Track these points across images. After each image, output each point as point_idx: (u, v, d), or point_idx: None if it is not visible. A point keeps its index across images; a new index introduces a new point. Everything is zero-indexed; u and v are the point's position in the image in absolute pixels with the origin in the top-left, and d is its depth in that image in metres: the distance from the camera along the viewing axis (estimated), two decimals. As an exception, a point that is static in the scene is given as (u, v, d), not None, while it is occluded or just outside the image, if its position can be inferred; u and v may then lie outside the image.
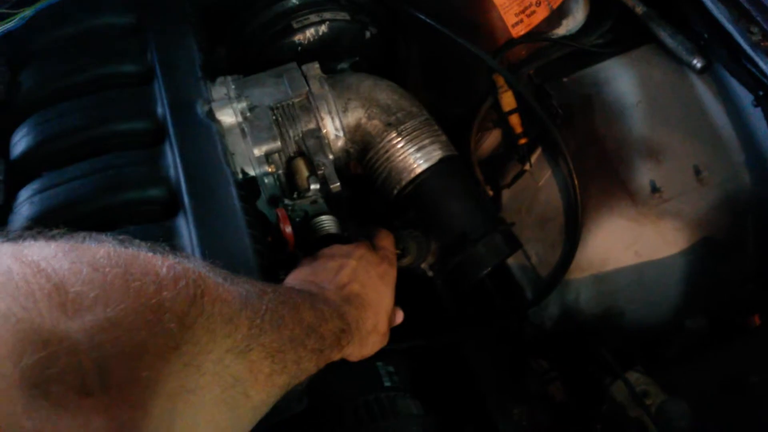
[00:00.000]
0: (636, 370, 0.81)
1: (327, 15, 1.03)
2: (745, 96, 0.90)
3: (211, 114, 0.84)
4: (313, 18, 1.01)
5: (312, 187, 0.83)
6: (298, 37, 1.01)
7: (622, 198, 0.92)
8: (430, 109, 0.95)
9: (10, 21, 0.99)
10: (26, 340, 0.30)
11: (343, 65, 1.05)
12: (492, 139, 1.05)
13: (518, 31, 1.01)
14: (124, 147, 0.82)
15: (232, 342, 0.44)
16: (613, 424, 0.80)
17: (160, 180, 0.78)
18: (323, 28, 1.01)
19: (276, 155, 0.84)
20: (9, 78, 0.94)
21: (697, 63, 0.93)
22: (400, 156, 0.88)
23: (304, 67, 0.92)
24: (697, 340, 0.92)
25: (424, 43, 1.08)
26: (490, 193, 1.02)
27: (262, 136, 0.83)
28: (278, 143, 0.84)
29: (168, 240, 0.72)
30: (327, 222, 0.83)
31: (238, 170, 0.82)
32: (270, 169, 0.83)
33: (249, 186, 0.82)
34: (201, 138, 0.81)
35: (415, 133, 0.89)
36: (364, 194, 0.94)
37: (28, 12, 1.00)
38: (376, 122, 0.89)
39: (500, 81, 0.99)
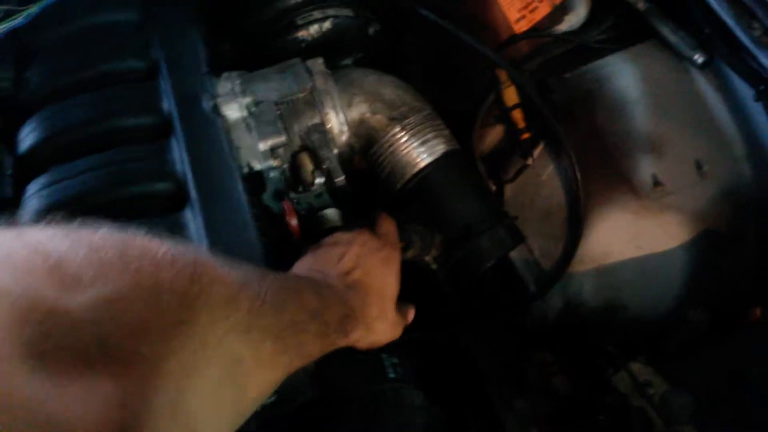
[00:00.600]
0: (639, 361, 0.82)
1: (330, 11, 1.03)
2: (746, 91, 0.90)
3: (216, 109, 0.85)
4: (317, 14, 1.02)
5: (317, 180, 0.84)
6: (302, 33, 1.02)
7: (625, 192, 0.92)
8: (433, 104, 0.95)
9: (15, 18, 1.00)
10: (26, 314, 0.30)
11: (347, 61, 1.05)
12: (495, 134, 1.06)
13: (521, 27, 1.02)
14: (130, 142, 0.82)
15: (232, 322, 0.44)
16: (616, 414, 0.81)
17: (167, 174, 0.79)
18: (327, 25, 1.02)
19: (281, 149, 0.85)
20: (15, 75, 0.95)
21: (699, 58, 0.94)
22: (403, 150, 0.89)
23: (308, 63, 0.92)
24: (698, 332, 0.93)
25: (428, 38, 1.09)
26: (493, 187, 1.02)
27: (267, 131, 0.84)
28: (283, 137, 0.85)
29: (175, 233, 0.73)
30: (332, 215, 0.84)
31: (244, 164, 0.82)
32: (275, 163, 0.84)
33: (254, 180, 0.83)
34: (207, 133, 0.82)
35: (418, 128, 0.90)
36: (368, 188, 0.95)
37: (33, 9, 1.01)
38: (379, 117, 0.90)
39: (503, 76, 1.00)
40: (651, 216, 0.91)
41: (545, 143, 1.00)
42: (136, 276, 0.37)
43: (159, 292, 0.38)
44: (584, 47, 1.01)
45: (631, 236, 0.93)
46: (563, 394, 0.93)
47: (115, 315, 0.35)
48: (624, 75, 0.98)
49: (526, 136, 1.00)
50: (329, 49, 1.02)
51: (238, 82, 0.88)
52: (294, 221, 0.78)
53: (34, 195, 0.78)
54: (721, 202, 0.93)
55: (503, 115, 1.02)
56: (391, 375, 0.83)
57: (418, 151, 0.89)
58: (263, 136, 0.84)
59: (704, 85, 0.96)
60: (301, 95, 0.89)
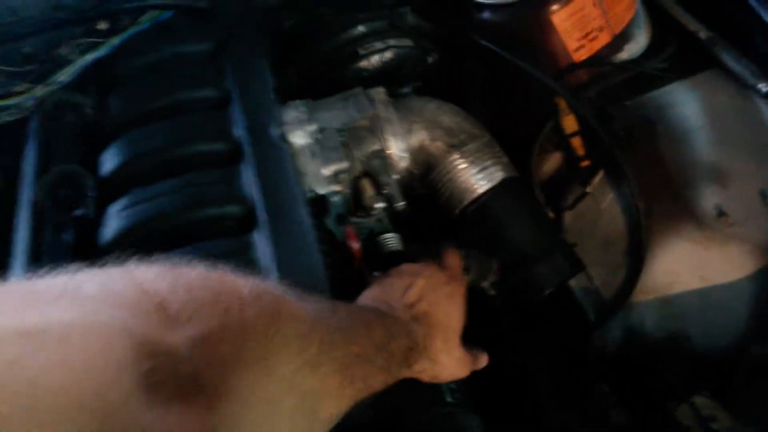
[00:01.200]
0: (702, 394, 0.80)
1: (391, 42, 1.07)
2: (813, 120, 0.88)
3: (283, 136, 0.88)
4: (378, 45, 1.06)
5: (377, 205, 0.86)
6: (364, 63, 1.06)
7: (688, 221, 0.91)
8: (491, 131, 0.97)
9: (99, 49, 1.07)
10: (141, 350, 0.33)
11: (407, 89, 1.08)
12: (553, 162, 1.06)
13: (580, 56, 1.03)
14: (204, 166, 0.87)
15: (305, 356, 0.47)
16: (678, 449, 0.79)
17: (238, 197, 0.82)
18: (388, 54, 1.05)
19: (343, 175, 0.88)
20: (98, 102, 1.01)
21: (763, 87, 0.93)
22: (462, 177, 0.90)
23: (370, 91, 0.95)
24: (763, 366, 0.90)
25: (486, 67, 1.11)
26: (552, 215, 1.02)
27: (330, 157, 0.87)
28: (345, 163, 0.87)
29: (245, 253, 0.77)
30: (391, 240, 0.86)
31: (309, 189, 0.85)
32: (338, 188, 0.87)
33: (318, 204, 0.86)
34: (275, 158, 0.86)
35: (477, 155, 0.91)
36: (427, 214, 0.96)
37: (115, 41, 1.08)
38: (439, 144, 0.92)
39: (562, 104, 1.01)
40: (715, 246, 0.90)
41: (605, 171, 1.00)
42: (225, 315, 0.41)
43: (244, 330, 0.42)
44: (645, 75, 1.01)
45: (695, 266, 0.91)
46: (622, 427, 0.92)
47: (207, 352, 0.38)
48: (686, 103, 0.98)
49: (585, 163, 1.00)
50: (390, 77, 1.06)
51: (303, 110, 0.92)
52: (355, 245, 0.80)
53: (114, 215, 0.83)
54: (787, 233, 0.90)
55: (562, 142, 1.03)
56: (449, 399, 0.84)
57: (476, 177, 0.90)
58: (327, 162, 0.87)
59: (770, 114, 0.95)
60: (362, 123, 0.92)
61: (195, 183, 0.84)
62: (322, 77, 1.07)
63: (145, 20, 1.10)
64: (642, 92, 1.01)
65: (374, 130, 0.92)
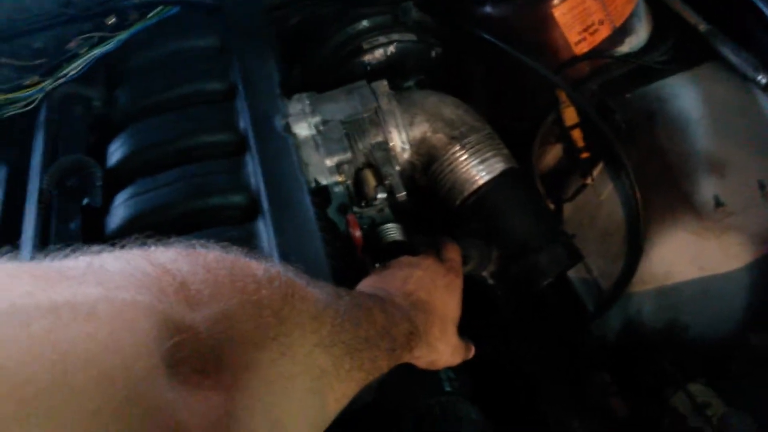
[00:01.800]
0: (698, 382, 0.81)
1: (395, 36, 1.08)
2: (812, 111, 0.89)
3: (288, 128, 0.90)
4: (382, 39, 1.07)
5: (379, 196, 0.88)
6: (368, 57, 1.07)
7: (685, 212, 0.92)
8: (493, 123, 0.98)
9: (107, 43, 1.09)
10: (164, 328, 0.35)
11: (409, 83, 1.10)
12: (554, 154, 1.07)
13: (581, 49, 1.04)
14: (209, 157, 0.89)
15: (318, 337, 0.49)
16: (674, 435, 0.80)
17: (242, 187, 0.84)
18: (391, 49, 1.07)
19: (346, 166, 0.90)
20: (106, 95, 1.04)
21: (762, 79, 0.94)
22: (463, 168, 0.92)
23: (373, 85, 0.97)
24: (761, 355, 0.91)
25: (488, 60, 1.12)
26: (552, 206, 1.04)
27: (333, 148, 0.89)
28: (348, 155, 0.89)
29: (248, 242, 0.79)
30: (393, 229, 0.87)
31: (312, 179, 0.87)
32: (340, 179, 0.88)
33: (321, 194, 0.88)
34: (279, 150, 0.88)
35: (478, 146, 0.93)
36: (428, 204, 0.98)
37: (123, 35, 1.10)
38: (440, 136, 0.93)
39: (562, 96, 1.02)
40: (713, 237, 0.91)
41: (604, 163, 1.01)
42: (241, 294, 0.42)
43: (260, 308, 0.43)
44: (645, 68, 1.02)
45: (693, 257, 0.92)
46: (621, 415, 0.93)
47: (226, 329, 0.40)
48: (685, 95, 0.98)
49: (585, 155, 1.01)
50: (393, 71, 1.07)
51: (307, 102, 0.94)
52: (357, 233, 0.82)
53: (121, 204, 0.85)
54: (785, 223, 0.91)
55: (563, 134, 1.04)
56: (447, 388, 0.86)
57: (477, 168, 0.92)
58: (330, 153, 0.89)
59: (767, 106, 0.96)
60: (366, 115, 0.94)
61: (200, 173, 0.86)
62: (326, 72, 1.09)
63: (153, 15, 1.12)
64: (642, 85, 1.02)
65: (377, 122, 0.93)
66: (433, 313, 0.73)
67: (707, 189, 0.92)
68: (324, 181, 0.88)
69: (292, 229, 0.79)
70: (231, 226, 0.81)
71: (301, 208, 0.81)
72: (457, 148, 0.92)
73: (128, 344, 0.31)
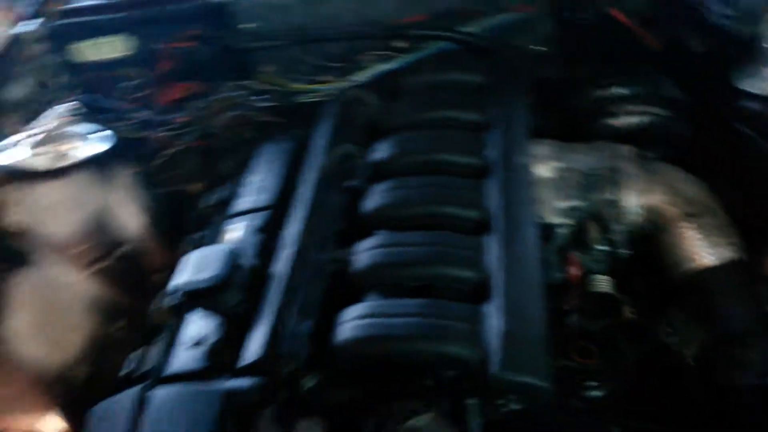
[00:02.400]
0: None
1: (648, 108, 1.13)
2: None
3: (530, 166, 0.99)
4: (635, 108, 1.13)
5: (599, 247, 0.93)
6: (615, 122, 1.14)
7: None
8: (727, 211, 0.98)
9: (392, 62, 1.29)
10: None
11: (652, 154, 1.13)
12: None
13: None
14: (453, 174, 1.01)
15: None
16: None
17: (479, 205, 0.95)
18: (644, 119, 1.12)
19: (575, 212, 0.96)
20: (381, 104, 1.22)
21: None
22: (692, 246, 0.94)
23: (617, 146, 1.03)
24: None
25: (741, 153, 1.12)
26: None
27: (568, 193, 0.97)
28: (580, 203, 0.96)
29: (478, 252, 0.88)
30: (604, 282, 0.92)
31: (541, 216, 0.95)
32: (567, 222, 0.95)
33: (544, 231, 0.95)
34: (518, 182, 0.97)
35: (711, 229, 0.94)
36: (646, 270, 1.00)
37: (406, 58, 1.29)
38: (675, 210, 0.96)
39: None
40: None
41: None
42: None
43: None
44: None
45: None
46: None
47: None
48: None
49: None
50: (638, 139, 1.12)
51: (552, 148, 1.02)
52: (575, 271, 0.88)
53: (377, 192, 1.00)
54: None
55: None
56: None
57: (706, 250, 0.93)
58: (563, 197, 0.96)
59: None
60: (605, 173, 0.99)
61: (446, 185, 0.99)
62: (572, 125, 1.16)
63: (434, 47, 1.30)
64: None
65: (614, 181, 0.99)
66: None
67: None
68: (551, 220, 0.96)
69: (516, 252, 0.87)
70: (463, 234, 0.91)
71: (528, 235, 0.90)
72: (690, 225, 0.94)
73: None
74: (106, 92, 1.45)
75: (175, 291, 0.94)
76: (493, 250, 0.87)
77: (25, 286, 1.21)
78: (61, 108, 1.34)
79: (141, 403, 0.89)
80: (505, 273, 0.83)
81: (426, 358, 0.81)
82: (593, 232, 0.96)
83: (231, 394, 0.84)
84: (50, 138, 1.27)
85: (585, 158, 1.01)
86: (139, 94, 1.43)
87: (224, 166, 1.35)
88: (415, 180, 1.01)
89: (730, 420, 0.94)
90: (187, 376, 0.91)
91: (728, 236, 0.95)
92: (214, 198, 1.25)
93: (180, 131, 1.38)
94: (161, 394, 0.90)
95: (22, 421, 1.18)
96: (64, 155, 1.26)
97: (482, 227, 0.93)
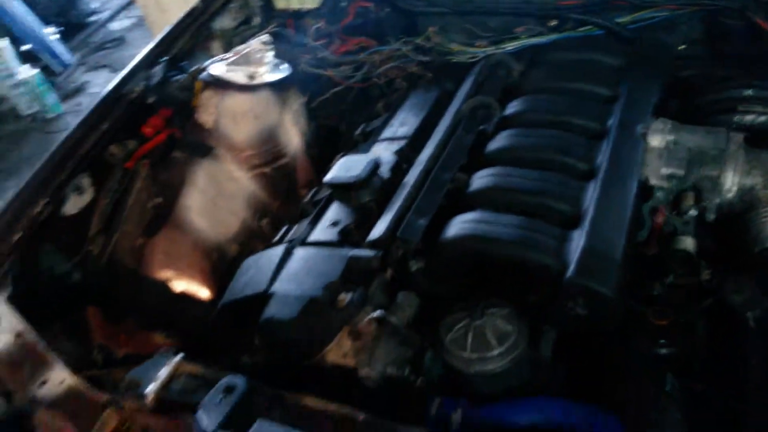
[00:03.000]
0: None
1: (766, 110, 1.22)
2: None
3: (644, 135, 1.13)
4: (758, 108, 1.21)
5: (691, 212, 1.05)
6: (737, 117, 1.23)
7: None
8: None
9: (542, 38, 1.45)
10: None
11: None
12: None
13: None
14: (573, 133, 1.17)
15: None
16: None
17: (589, 158, 1.11)
18: (761, 119, 1.20)
19: (675, 180, 1.08)
20: (523, 70, 1.39)
21: None
22: (776, 225, 1.03)
23: (730, 133, 1.13)
24: None
25: None
26: None
27: (673, 162, 1.09)
28: (682, 171, 1.08)
29: (579, 192, 1.04)
30: (688, 241, 1.04)
31: (644, 177, 1.08)
32: (666, 185, 1.08)
33: (643, 191, 1.08)
34: (630, 146, 1.11)
35: (799, 214, 1.03)
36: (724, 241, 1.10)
37: (555, 36, 1.45)
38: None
39: None
40: None
41: None
42: None
43: None
44: None
45: None
46: None
47: None
48: None
49: None
50: (753, 135, 1.20)
51: (669, 126, 1.14)
52: (660, 219, 1.01)
53: (501, 137, 1.19)
54: None
55: None
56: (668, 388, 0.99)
57: (789, 231, 1.02)
58: (668, 164, 1.09)
59: None
60: (712, 152, 1.10)
61: (564, 138, 1.15)
62: (697, 113, 1.27)
63: (582, 30, 1.44)
64: None
65: (719, 161, 1.09)
66: None
67: None
68: (653, 182, 1.08)
69: (612, 202, 1.02)
70: (570, 178, 1.07)
71: (627, 187, 1.04)
72: (780, 207, 1.04)
73: None
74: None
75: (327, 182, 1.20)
76: (592, 193, 1.03)
77: (204, 172, 1.52)
78: (257, 39, 1.62)
79: (286, 255, 1.14)
80: (596, 209, 0.99)
81: (515, 261, 0.98)
82: (689, 199, 1.07)
83: (355, 259, 1.06)
84: (244, 59, 1.55)
85: (695, 137, 1.12)
86: (321, 41, 1.70)
87: (377, 107, 1.59)
88: (538, 131, 1.18)
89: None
90: (323, 243, 1.16)
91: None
92: (366, 128, 1.49)
93: (346, 74, 1.63)
94: (303, 251, 1.14)
95: (182, 276, 1.47)
96: (252, 75, 1.54)
97: (589, 175, 1.08)
